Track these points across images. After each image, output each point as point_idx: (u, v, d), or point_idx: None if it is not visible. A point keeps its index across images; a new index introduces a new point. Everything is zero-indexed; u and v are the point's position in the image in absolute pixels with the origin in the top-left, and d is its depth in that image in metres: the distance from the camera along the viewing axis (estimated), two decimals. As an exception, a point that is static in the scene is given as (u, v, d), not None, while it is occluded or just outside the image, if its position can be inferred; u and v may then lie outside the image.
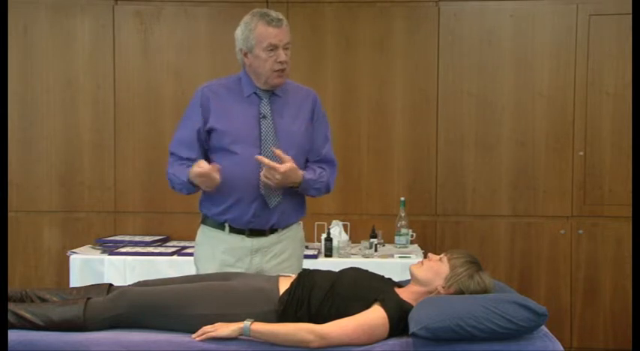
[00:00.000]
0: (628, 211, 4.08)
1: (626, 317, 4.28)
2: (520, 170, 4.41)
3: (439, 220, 4.46)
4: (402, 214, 4.22)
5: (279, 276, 2.52)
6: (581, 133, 4.37)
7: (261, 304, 2.34)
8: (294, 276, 2.47)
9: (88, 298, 2.36)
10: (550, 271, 4.40)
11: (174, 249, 4.09)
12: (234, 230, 2.70)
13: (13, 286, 2.73)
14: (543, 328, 2.32)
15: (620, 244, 4.34)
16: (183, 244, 4.26)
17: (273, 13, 2.63)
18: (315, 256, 3.88)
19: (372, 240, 4.10)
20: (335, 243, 3.98)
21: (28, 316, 2.30)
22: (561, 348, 2.24)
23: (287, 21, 2.66)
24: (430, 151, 4.43)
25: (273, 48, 2.61)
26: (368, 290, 2.35)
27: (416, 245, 4.26)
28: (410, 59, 4.42)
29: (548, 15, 4.37)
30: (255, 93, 2.70)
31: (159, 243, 4.29)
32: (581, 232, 4.37)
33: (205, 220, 2.78)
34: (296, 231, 2.80)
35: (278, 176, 2.55)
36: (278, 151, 2.57)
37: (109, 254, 3.96)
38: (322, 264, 3.59)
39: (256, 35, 2.61)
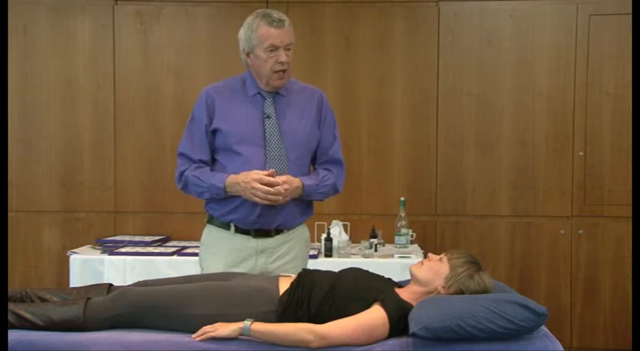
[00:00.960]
0: (628, 211, 4.08)
1: (626, 317, 4.28)
2: (520, 170, 4.41)
3: (439, 220, 4.46)
4: (402, 214, 4.22)
5: (279, 276, 2.52)
6: (581, 133, 4.37)
7: (261, 304, 2.34)
8: (294, 276, 2.47)
9: (88, 298, 2.36)
10: (550, 271, 4.40)
11: (174, 249, 4.09)
12: (239, 230, 2.70)
13: (13, 286, 2.74)
14: (543, 328, 2.32)
15: (620, 244, 4.34)
16: (183, 244, 4.27)
17: (276, 14, 2.63)
18: (315, 256, 3.88)
19: (372, 240, 4.10)
20: (335, 243, 3.98)
21: (28, 316, 2.30)
22: (561, 348, 2.24)
23: (290, 21, 2.65)
24: (430, 151, 4.43)
25: (274, 48, 2.61)
26: (368, 290, 2.35)
27: (416, 245, 4.26)
28: (410, 59, 4.42)
29: (548, 15, 4.37)
30: (259, 93, 2.71)
31: (159, 243, 4.29)
32: (581, 232, 4.37)
33: (211, 220, 2.78)
34: (302, 232, 2.80)
35: (282, 190, 2.56)
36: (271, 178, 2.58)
37: (109, 254, 3.96)
38: (322, 264, 3.59)
39: (258, 36, 2.61)
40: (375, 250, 4.05)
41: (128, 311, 2.33)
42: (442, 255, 2.46)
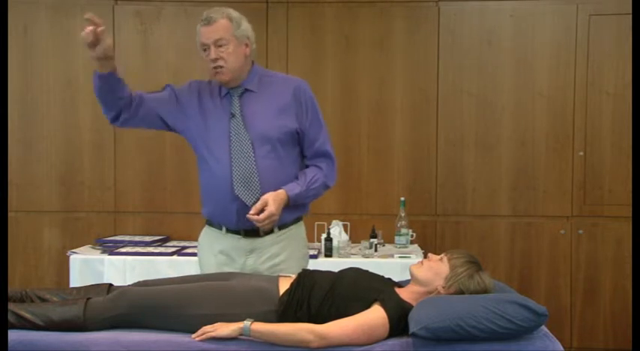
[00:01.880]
0: (628, 211, 4.08)
1: (626, 317, 4.28)
2: (520, 170, 4.41)
3: (439, 220, 4.46)
4: (402, 214, 4.22)
5: (279, 276, 2.52)
6: (581, 133, 4.37)
7: (261, 304, 2.34)
8: (294, 276, 2.47)
9: (88, 298, 2.36)
10: (550, 271, 4.40)
11: (174, 249, 4.09)
12: (230, 231, 2.70)
13: (13, 286, 2.73)
14: (543, 328, 2.32)
15: (620, 244, 4.34)
16: (183, 244, 4.27)
17: (207, 14, 2.64)
18: (315, 256, 3.88)
19: (372, 240, 4.10)
20: (335, 243, 3.98)
21: (28, 316, 2.30)
22: (561, 348, 2.24)
23: (229, 17, 2.63)
24: (430, 151, 4.43)
25: (206, 47, 2.63)
26: (368, 290, 2.35)
27: (416, 245, 4.26)
28: (410, 59, 4.42)
29: (548, 15, 4.37)
30: (228, 93, 2.70)
31: (159, 243, 4.29)
32: (581, 232, 4.37)
33: (208, 221, 2.79)
34: (296, 231, 2.77)
35: (267, 213, 2.54)
36: (253, 213, 2.54)
37: (109, 254, 3.96)
38: (322, 264, 3.59)
39: (197, 39, 2.67)
40: (375, 250, 4.05)
41: (128, 311, 2.33)
42: (442, 255, 2.46)
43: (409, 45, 4.42)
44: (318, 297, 2.35)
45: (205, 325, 2.25)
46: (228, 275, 2.53)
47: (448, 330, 2.15)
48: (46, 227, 4.47)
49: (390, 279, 2.52)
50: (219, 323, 2.25)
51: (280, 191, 2.60)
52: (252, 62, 2.74)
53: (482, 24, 4.41)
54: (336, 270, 2.52)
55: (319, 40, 4.43)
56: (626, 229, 4.26)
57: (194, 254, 3.85)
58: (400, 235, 4.20)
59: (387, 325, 2.25)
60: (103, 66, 2.54)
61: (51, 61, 4.45)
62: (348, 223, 4.26)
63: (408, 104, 4.43)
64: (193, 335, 2.24)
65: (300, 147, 2.73)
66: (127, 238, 4.33)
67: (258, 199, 2.58)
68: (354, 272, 2.49)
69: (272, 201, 2.54)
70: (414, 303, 2.31)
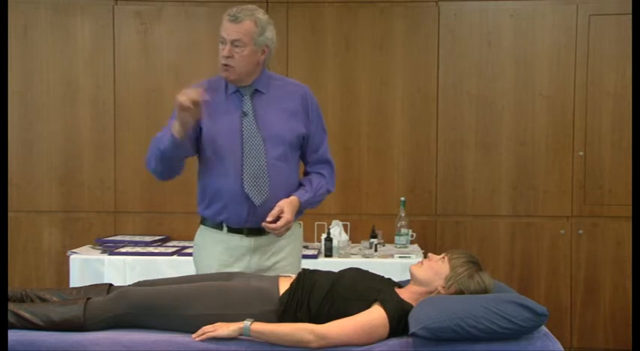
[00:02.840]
0: (628, 211, 4.09)
1: (626, 317, 4.28)
2: (520, 170, 4.41)
3: (439, 220, 4.46)
4: (402, 214, 4.22)
5: (279, 276, 2.52)
6: (581, 133, 4.37)
7: (261, 305, 2.33)
8: (294, 276, 2.47)
9: (88, 298, 2.36)
10: (550, 271, 4.40)
11: (174, 249, 4.09)
12: (232, 230, 2.69)
13: (13, 286, 2.73)
14: (543, 328, 2.32)
15: (620, 244, 4.34)
16: (183, 244, 4.26)
17: (236, 10, 2.59)
18: (315, 256, 3.88)
19: (372, 240, 4.10)
20: (335, 243, 3.98)
21: (28, 316, 2.30)
22: (561, 348, 2.24)
23: (255, 21, 2.60)
24: (430, 151, 4.43)
25: (222, 41, 2.61)
26: (368, 290, 2.35)
27: (416, 245, 4.26)
28: (410, 59, 4.42)
29: (548, 15, 4.37)
30: (238, 91, 2.69)
31: (159, 243, 4.29)
32: (581, 232, 4.37)
33: (204, 221, 2.77)
34: (295, 229, 2.77)
35: (285, 221, 2.56)
36: (270, 221, 2.56)
37: (109, 254, 3.96)
38: (322, 264, 3.58)
39: (220, 28, 2.64)
40: (375, 250, 4.05)
41: (128, 311, 2.33)
42: (442, 255, 2.46)
43: (409, 45, 4.42)
44: (318, 297, 2.35)
45: (205, 325, 2.25)
46: (228, 275, 2.53)
47: (448, 330, 2.15)
48: (46, 227, 4.47)
49: (390, 279, 2.52)
50: (219, 323, 2.25)
51: (293, 198, 2.63)
52: (264, 67, 2.73)
53: (483, 24, 4.41)
54: (336, 270, 2.52)
55: (319, 40, 4.43)
56: (626, 229, 4.26)
57: (194, 254, 3.86)
58: (400, 235, 4.20)
59: (387, 325, 2.25)
60: (186, 131, 2.50)
61: (51, 61, 4.45)
62: (348, 223, 4.26)
63: (408, 104, 4.43)
64: (193, 335, 2.24)
65: (301, 152, 2.76)
66: (127, 238, 4.33)
67: (265, 199, 2.61)
68: (354, 272, 2.49)
69: (287, 208, 2.58)
70: (414, 303, 2.31)
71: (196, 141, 2.68)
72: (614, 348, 4.36)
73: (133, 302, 2.34)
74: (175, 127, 2.49)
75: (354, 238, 4.27)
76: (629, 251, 4.29)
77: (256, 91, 2.68)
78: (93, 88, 4.46)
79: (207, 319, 2.28)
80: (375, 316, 2.25)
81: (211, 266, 2.70)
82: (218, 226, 2.71)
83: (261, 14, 2.63)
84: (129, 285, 2.54)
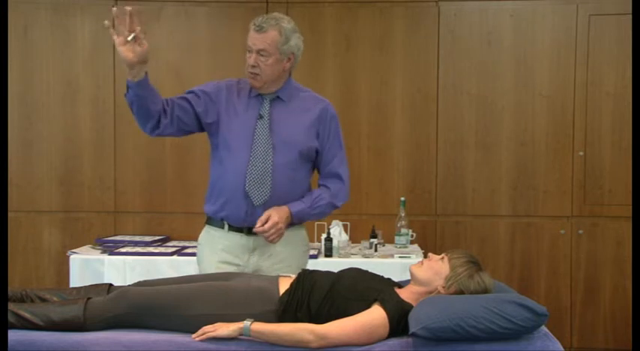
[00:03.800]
0: (628, 211, 4.09)
1: (626, 317, 4.28)
2: (520, 170, 4.41)
3: (439, 220, 4.46)
4: (402, 214, 4.22)
5: (279, 276, 2.52)
6: (581, 133, 4.37)
7: (261, 305, 2.34)
8: (294, 276, 2.47)
9: (88, 298, 2.36)
10: (550, 271, 4.40)
11: (174, 249, 4.09)
12: (232, 228, 2.71)
13: (13, 286, 2.73)
14: (543, 328, 2.32)
15: (620, 244, 4.34)
16: (183, 244, 4.27)
17: (262, 19, 2.64)
18: (315, 256, 3.88)
19: (372, 240, 4.10)
20: (335, 243, 3.98)
21: (28, 316, 2.30)
22: (561, 348, 2.24)
23: (279, 30, 2.64)
24: (430, 151, 4.43)
25: (249, 50, 2.65)
26: (368, 290, 2.35)
27: (416, 245, 4.26)
28: (410, 59, 4.43)
29: (548, 15, 4.37)
30: (260, 94, 2.73)
31: (159, 243, 4.29)
32: (581, 232, 4.37)
33: (208, 220, 2.80)
34: (297, 231, 2.79)
35: (277, 227, 2.59)
36: (259, 225, 2.59)
37: (109, 254, 3.96)
38: (322, 264, 3.59)
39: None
40: (375, 250, 4.05)
41: (128, 311, 2.33)
42: (442, 255, 2.46)
43: (409, 45, 4.42)
44: (318, 297, 2.35)
45: (205, 325, 2.25)
46: (229, 275, 2.53)
47: (448, 330, 2.15)
48: (46, 227, 4.47)
49: (390, 279, 2.52)
50: (219, 323, 2.25)
51: (284, 206, 2.66)
52: (290, 74, 2.77)
53: (482, 24, 4.41)
54: (336, 270, 2.52)
55: (319, 40, 4.43)
56: (626, 229, 4.26)
57: (194, 254, 3.82)
58: (400, 235, 4.20)
59: (387, 325, 2.25)
60: (139, 71, 2.49)
61: (51, 61, 4.45)
62: (348, 223, 4.26)
63: (408, 104, 4.43)
64: (193, 335, 2.24)
65: (313, 164, 2.80)
66: (127, 238, 4.33)
67: (266, 201, 2.64)
68: (354, 272, 2.50)
69: (275, 212, 2.61)
70: (414, 303, 2.31)
71: (211, 135, 2.73)
72: (614, 348, 4.36)
73: (133, 302, 2.34)
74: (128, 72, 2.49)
75: (354, 238, 4.27)
76: (629, 251, 4.29)
77: (277, 98, 2.73)
78: (93, 88, 4.46)
79: (207, 319, 2.28)
80: (375, 316, 2.25)
81: (211, 264, 2.73)
82: (220, 224, 2.74)
83: (285, 23, 2.67)
84: (129, 285, 2.55)
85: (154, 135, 2.70)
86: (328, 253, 3.96)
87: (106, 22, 2.48)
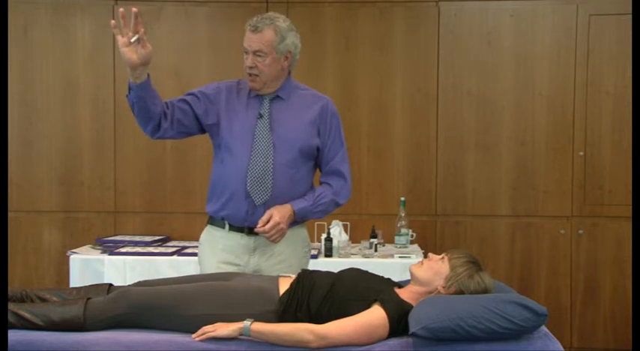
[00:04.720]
0: (628, 211, 4.09)
1: (626, 317, 4.28)
2: (520, 170, 4.41)
3: (439, 220, 4.46)
4: (402, 214, 4.22)
5: (279, 276, 2.52)
6: (581, 133, 4.37)
7: (261, 305, 2.34)
8: (293, 276, 2.48)
9: (88, 298, 2.36)
10: (550, 271, 4.40)
11: (174, 249, 4.09)
12: (233, 228, 2.71)
13: (13, 286, 2.73)
14: (543, 328, 2.32)
15: (620, 244, 4.34)
16: (183, 244, 4.27)
17: (257, 20, 2.64)
18: (315, 256, 3.88)
19: (372, 240, 4.10)
20: (335, 243, 3.98)
21: (28, 316, 2.30)
22: (561, 348, 2.24)
23: (275, 30, 2.64)
24: (430, 151, 4.43)
25: (246, 51, 2.66)
26: (368, 290, 2.35)
27: (416, 245, 4.26)
28: (410, 59, 4.43)
29: (548, 15, 4.37)
30: (258, 94, 2.73)
31: (159, 243, 4.29)
32: (581, 232, 4.37)
33: (209, 220, 2.81)
34: (297, 231, 2.79)
35: (279, 227, 2.59)
36: (260, 225, 2.59)
37: (109, 254, 3.96)
38: (322, 264, 3.59)
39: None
40: (375, 250, 4.05)
41: (128, 311, 2.33)
42: (442, 255, 2.46)
43: (409, 45, 4.42)
44: (318, 297, 2.35)
45: (205, 325, 2.25)
46: (228, 275, 2.53)
47: (448, 330, 2.15)
48: (46, 227, 4.47)
49: (389, 279, 2.52)
50: (219, 323, 2.25)
51: (286, 205, 2.65)
52: (289, 73, 2.77)
53: (483, 24, 4.41)
54: (336, 270, 2.53)
55: (319, 40, 4.43)
56: (626, 229, 4.26)
57: (194, 254, 3.85)
58: (400, 235, 4.19)
59: (387, 325, 2.25)
60: (141, 73, 2.49)
61: (51, 61, 4.45)
62: (348, 223, 4.26)
63: (408, 104, 4.43)
64: (193, 335, 2.24)
65: (315, 162, 2.79)
66: (127, 238, 4.33)
67: (267, 201, 2.64)
68: (353, 272, 2.50)
69: (277, 212, 2.60)
70: (414, 303, 2.31)
71: (213, 137, 2.74)
72: (614, 348, 4.36)
73: (133, 302, 2.34)
74: (129, 73, 2.49)
75: (354, 238, 4.27)
76: (629, 251, 4.29)
77: (277, 97, 2.73)
78: (93, 88, 4.46)
79: (207, 319, 2.28)
80: (375, 316, 2.25)
81: (212, 264, 2.73)
82: (221, 224, 2.74)
83: (281, 22, 2.67)
84: (129, 285, 2.55)
85: (155, 137, 2.71)
86: (328, 253, 3.96)
87: (113, 21, 2.47)
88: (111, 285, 2.53)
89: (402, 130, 4.44)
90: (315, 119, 2.74)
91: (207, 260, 2.77)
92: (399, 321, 2.26)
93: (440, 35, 4.41)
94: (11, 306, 2.32)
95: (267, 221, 2.59)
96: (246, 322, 2.22)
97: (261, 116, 2.70)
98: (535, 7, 4.38)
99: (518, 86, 4.39)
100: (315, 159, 2.79)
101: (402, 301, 2.32)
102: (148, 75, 2.52)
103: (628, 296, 4.29)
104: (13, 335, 2.23)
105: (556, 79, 4.37)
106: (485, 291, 2.37)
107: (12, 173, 4.39)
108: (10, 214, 4.29)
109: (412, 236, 4.25)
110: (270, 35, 2.63)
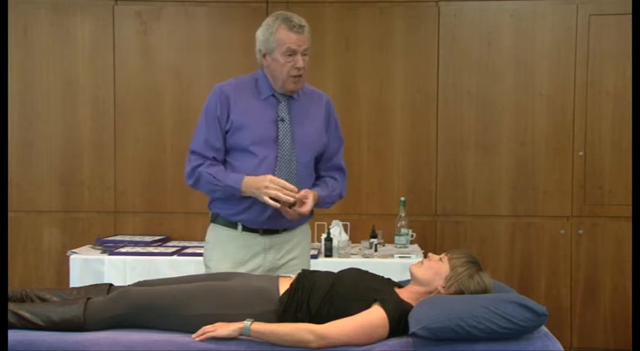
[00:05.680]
0: (628, 211, 4.09)
1: (626, 317, 4.28)
2: (520, 170, 4.41)
3: (439, 220, 4.46)
4: (402, 214, 4.22)
5: (279, 276, 2.53)
6: (581, 133, 4.37)
7: (261, 305, 2.34)
8: (293, 276, 2.48)
9: (88, 298, 2.36)
10: (550, 271, 4.40)
11: (174, 249, 4.09)
12: (247, 229, 2.71)
13: (13, 286, 2.73)
14: (543, 328, 2.32)
15: (620, 244, 4.34)
16: (183, 244, 4.27)
17: (296, 19, 2.64)
18: (315, 256, 3.88)
19: (372, 240, 4.10)
20: (335, 243, 3.98)
21: (28, 316, 2.30)
22: (561, 348, 2.24)
23: (309, 28, 2.67)
24: (430, 151, 4.43)
25: (292, 53, 2.62)
26: (368, 290, 2.36)
27: (416, 245, 4.26)
28: (410, 59, 4.42)
29: (548, 15, 4.37)
30: (273, 95, 2.71)
31: (159, 243, 4.29)
32: (581, 232, 4.37)
33: (216, 219, 2.77)
34: (306, 229, 2.85)
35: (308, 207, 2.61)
36: (300, 195, 2.60)
37: (109, 254, 3.96)
38: (322, 264, 3.59)
39: (276, 38, 2.62)
40: (375, 250, 4.05)
41: (128, 311, 2.33)
42: (442, 255, 2.46)
43: (409, 45, 4.42)
44: (318, 297, 2.35)
45: (205, 325, 2.25)
46: (228, 275, 2.53)
47: (448, 330, 2.15)
48: (46, 227, 4.47)
49: (389, 279, 2.52)
50: (219, 323, 2.25)
51: (314, 190, 2.68)
52: None
53: (483, 24, 4.41)
54: (336, 270, 2.53)
55: (319, 40, 4.41)
56: (626, 229, 4.26)
57: (194, 254, 3.86)
58: (400, 235, 4.19)
59: (387, 325, 2.25)
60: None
61: (51, 61, 4.44)
62: (348, 223, 4.26)
63: (408, 104, 4.43)
64: (193, 335, 2.24)
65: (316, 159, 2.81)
66: (127, 238, 4.33)
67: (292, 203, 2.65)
68: (353, 272, 2.50)
69: (312, 197, 2.62)
70: (414, 303, 2.31)
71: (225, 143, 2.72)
72: (614, 348, 4.35)
73: (133, 302, 2.34)
74: (247, 191, 2.58)
75: (354, 238, 4.27)
76: (629, 251, 4.28)
77: (291, 97, 2.72)
78: (93, 88, 4.46)
79: (207, 319, 2.28)
80: (375, 316, 2.26)
81: (225, 265, 2.70)
82: (232, 225, 2.73)
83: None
84: (129, 285, 2.55)
85: None
86: (328, 253, 3.96)
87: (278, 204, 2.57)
88: (111, 285, 2.53)
89: (402, 130, 4.44)
90: (325, 119, 2.78)
91: (220, 261, 2.73)
92: (399, 321, 2.26)
93: (440, 35, 4.41)
94: (11, 306, 2.32)
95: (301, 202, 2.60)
96: (246, 322, 2.22)
97: (282, 120, 2.68)
98: (535, 7, 4.38)
99: (518, 86, 4.39)
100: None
101: (402, 301, 2.32)
102: None
103: (628, 296, 4.29)
104: (14, 335, 2.23)
105: (556, 79, 4.37)
106: (485, 291, 2.37)
107: (12, 173, 4.39)
108: (10, 214, 4.29)
109: (412, 236, 4.25)
110: (309, 34, 2.66)
